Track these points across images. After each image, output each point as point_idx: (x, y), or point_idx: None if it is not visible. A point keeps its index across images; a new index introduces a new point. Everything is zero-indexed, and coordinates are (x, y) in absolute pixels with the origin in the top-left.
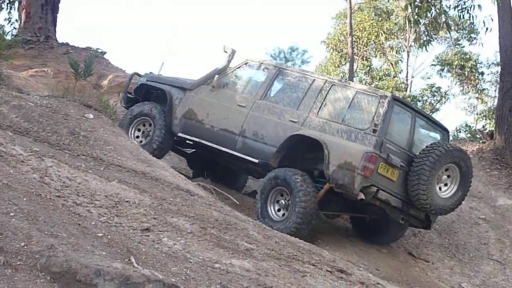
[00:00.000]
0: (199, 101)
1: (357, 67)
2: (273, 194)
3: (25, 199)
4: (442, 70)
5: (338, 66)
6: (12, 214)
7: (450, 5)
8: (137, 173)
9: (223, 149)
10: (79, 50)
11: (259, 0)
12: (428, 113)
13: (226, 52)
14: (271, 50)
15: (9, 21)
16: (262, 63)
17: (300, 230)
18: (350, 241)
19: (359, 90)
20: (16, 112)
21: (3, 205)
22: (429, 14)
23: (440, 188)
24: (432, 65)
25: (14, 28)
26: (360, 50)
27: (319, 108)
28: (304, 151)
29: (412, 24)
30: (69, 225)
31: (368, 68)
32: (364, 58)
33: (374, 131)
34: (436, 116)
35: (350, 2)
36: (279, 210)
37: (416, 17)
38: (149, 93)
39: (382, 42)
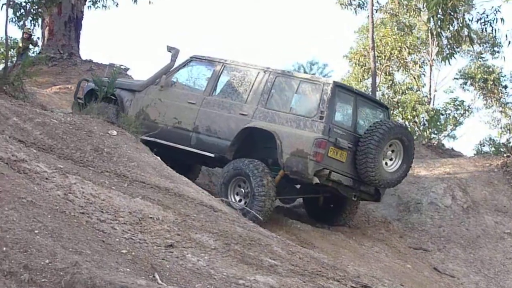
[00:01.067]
0: (150, 101)
1: (380, 81)
2: (233, 184)
3: (49, 216)
4: (465, 83)
5: (361, 81)
6: (36, 231)
7: (472, 18)
8: (160, 189)
9: (179, 146)
10: (102, 67)
11: (278, 14)
12: (366, 92)
13: (170, 51)
14: (290, 64)
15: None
16: (206, 59)
17: (261, 217)
18: (375, 256)
19: (303, 79)
20: (40, 129)
21: (28, 222)
22: (451, 27)
23: (386, 163)
24: (455, 78)
25: (37, 45)
26: (382, 65)
27: (267, 100)
28: (256, 142)
29: (434, 37)
30: (93, 242)
31: (391, 82)
32: (387, 73)
33: (321, 117)
34: (459, 130)
35: (372, 17)
36: (239, 199)
37: (438, 30)
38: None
39: (405, 57)
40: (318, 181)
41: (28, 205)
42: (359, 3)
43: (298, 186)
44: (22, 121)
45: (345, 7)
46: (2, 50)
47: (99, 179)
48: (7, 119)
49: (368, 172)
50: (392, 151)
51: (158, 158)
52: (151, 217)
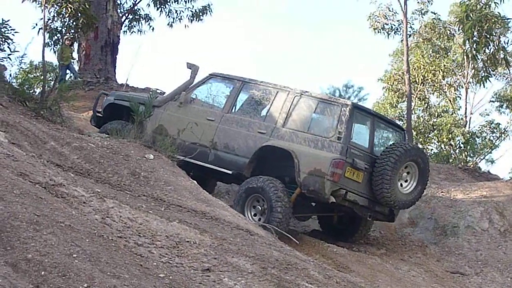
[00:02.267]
0: (168, 117)
1: (415, 104)
2: (250, 201)
3: (87, 240)
4: (501, 106)
5: (395, 106)
6: (75, 255)
7: (508, 40)
8: (197, 213)
9: (197, 162)
10: (139, 91)
11: (312, 39)
12: (383, 114)
13: (190, 68)
14: (325, 88)
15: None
16: (225, 77)
17: (282, 224)
18: (412, 280)
19: (321, 100)
20: (77, 154)
21: (66, 247)
22: (487, 50)
23: (401, 185)
24: (491, 101)
25: (75, 71)
26: (416, 90)
27: (285, 119)
28: (274, 160)
29: (470, 60)
30: (131, 266)
31: (426, 105)
32: (421, 99)
33: (339, 138)
34: (495, 153)
35: (407, 40)
36: (255, 215)
37: (474, 52)
38: (117, 111)
39: (439, 80)
40: (335, 201)
41: (66, 229)
42: (391, 26)
43: (313, 204)
44: (60, 145)
45: (378, 32)
46: (38, 74)
47: (136, 203)
48: (44, 143)
49: (383, 193)
50: (408, 172)
51: (195, 182)
52: (188, 241)
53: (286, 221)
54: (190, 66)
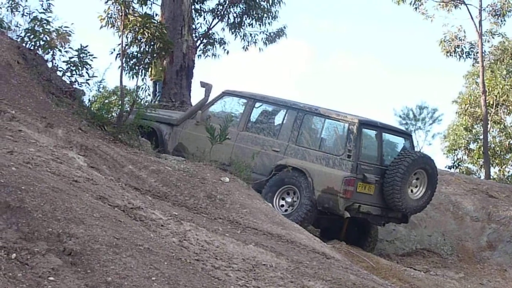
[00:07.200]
0: (187, 135)
1: (490, 126)
2: (281, 192)
3: (165, 263)
4: None
5: (470, 131)
6: (153, 278)
7: None
8: (273, 236)
9: None
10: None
11: (383, 60)
12: (389, 124)
13: (203, 87)
14: (399, 108)
15: (144, 88)
16: (237, 94)
17: (306, 220)
18: None
19: (330, 117)
20: (154, 177)
21: (145, 269)
22: None
23: (411, 191)
24: None
25: (149, 94)
26: (491, 113)
27: (297, 137)
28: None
29: None
30: None
31: (503, 126)
32: (496, 122)
33: (349, 156)
34: None
35: (482, 61)
36: (282, 205)
37: None
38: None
39: None
40: (349, 215)
41: (145, 252)
42: (462, 49)
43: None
44: (137, 168)
45: (450, 55)
46: (114, 98)
47: (212, 226)
48: (122, 167)
49: (395, 201)
50: (417, 178)
51: (270, 204)
52: (264, 264)
53: (314, 212)
54: (203, 84)
